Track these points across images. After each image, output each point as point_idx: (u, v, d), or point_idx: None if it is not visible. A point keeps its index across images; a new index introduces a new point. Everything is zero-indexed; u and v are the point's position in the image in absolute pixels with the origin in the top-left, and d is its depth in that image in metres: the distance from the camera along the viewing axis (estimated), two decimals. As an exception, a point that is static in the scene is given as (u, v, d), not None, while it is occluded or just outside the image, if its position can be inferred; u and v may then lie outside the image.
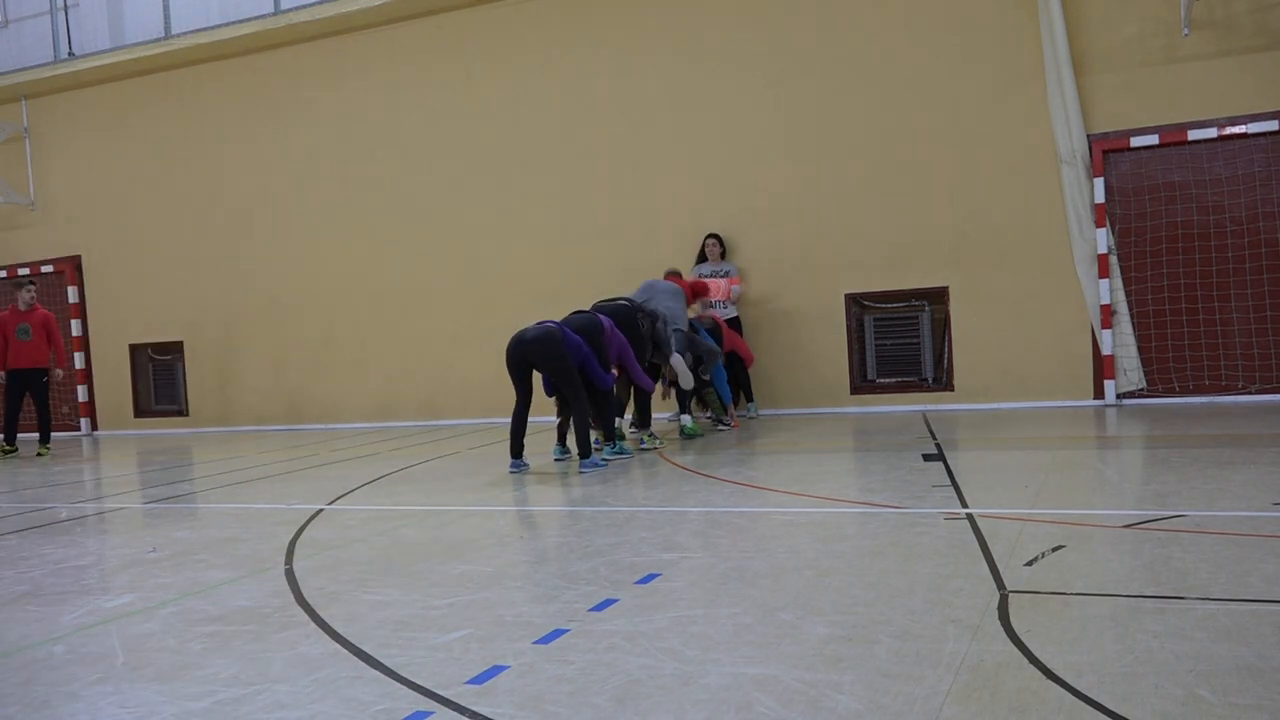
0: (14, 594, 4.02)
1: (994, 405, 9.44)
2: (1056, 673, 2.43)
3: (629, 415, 8.31)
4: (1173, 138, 8.82)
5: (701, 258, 10.13)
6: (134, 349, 13.54)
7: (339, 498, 6.19)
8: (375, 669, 2.78)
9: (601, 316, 7.23)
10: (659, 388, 8.85)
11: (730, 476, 6.07)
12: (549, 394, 7.30)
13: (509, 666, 2.72)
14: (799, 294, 10.13)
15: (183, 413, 13.33)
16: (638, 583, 3.55)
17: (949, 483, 5.32)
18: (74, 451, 11.31)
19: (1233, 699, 2.22)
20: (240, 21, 12.31)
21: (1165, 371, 9.02)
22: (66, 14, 13.48)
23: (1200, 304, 8.88)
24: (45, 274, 13.73)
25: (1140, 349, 9.07)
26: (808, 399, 10.13)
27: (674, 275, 9.24)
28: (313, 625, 3.27)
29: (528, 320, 7.18)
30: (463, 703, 2.48)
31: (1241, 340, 8.79)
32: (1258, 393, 8.72)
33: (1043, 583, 3.25)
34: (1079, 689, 2.33)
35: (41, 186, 13.90)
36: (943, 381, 9.76)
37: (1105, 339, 9.04)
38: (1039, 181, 9.27)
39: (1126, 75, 9.00)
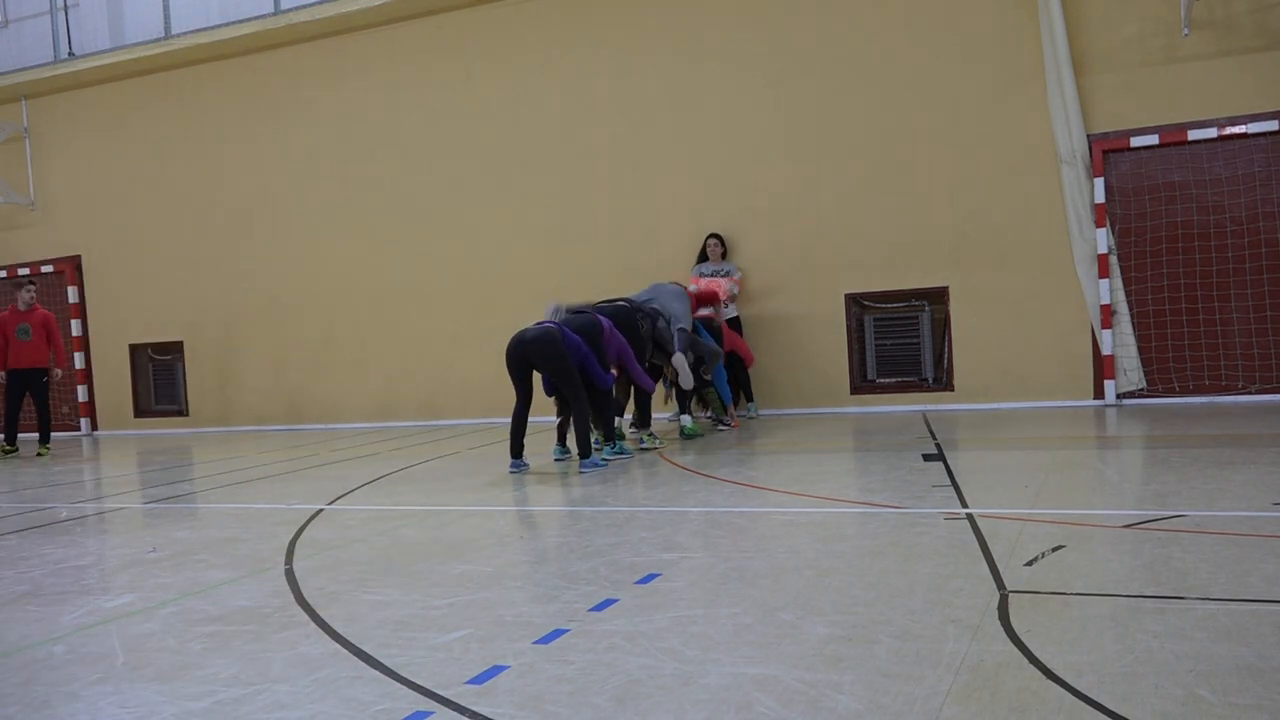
0: (14, 594, 4.03)
1: (994, 405, 9.44)
2: (1056, 673, 2.43)
3: (629, 415, 8.32)
4: (1173, 138, 8.82)
5: (703, 257, 10.13)
6: (134, 349, 13.54)
7: (339, 498, 6.19)
8: (375, 669, 2.78)
9: (601, 317, 7.23)
10: (660, 389, 8.86)
11: (730, 476, 6.07)
12: (549, 394, 7.31)
13: (509, 666, 2.72)
14: (799, 294, 10.13)
15: (183, 413, 13.33)
16: (638, 583, 3.55)
17: (949, 483, 5.32)
18: (74, 451, 11.32)
19: (1233, 699, 2.22)
20: (240, 21, 12.31)
21: (1165, 371, 9.02)
22: (66, 14, 13.48)
23: (1200, 304, 8.88)
24: (45, 274, 13.73)
25: (1140, 349, 9.07)
26: (808, 399, 10.13)
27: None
28: (313, 625, 3.27)
29: (528, 320, 7.18)
30: (463, 703, 2.48)
31: (1241, 340, 8.79)
32: (1258, 393, 8.72)
33: (1043, 583, 3.25)
34: (1079, 689, 2.33)
35: (41, 186, 13.90)
36: (943, 381, 9.76)
37: (1105, 339, 9.04)
38: (1039, 181, 9.27)
39: (1126, 75, 9.00)
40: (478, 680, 2.63)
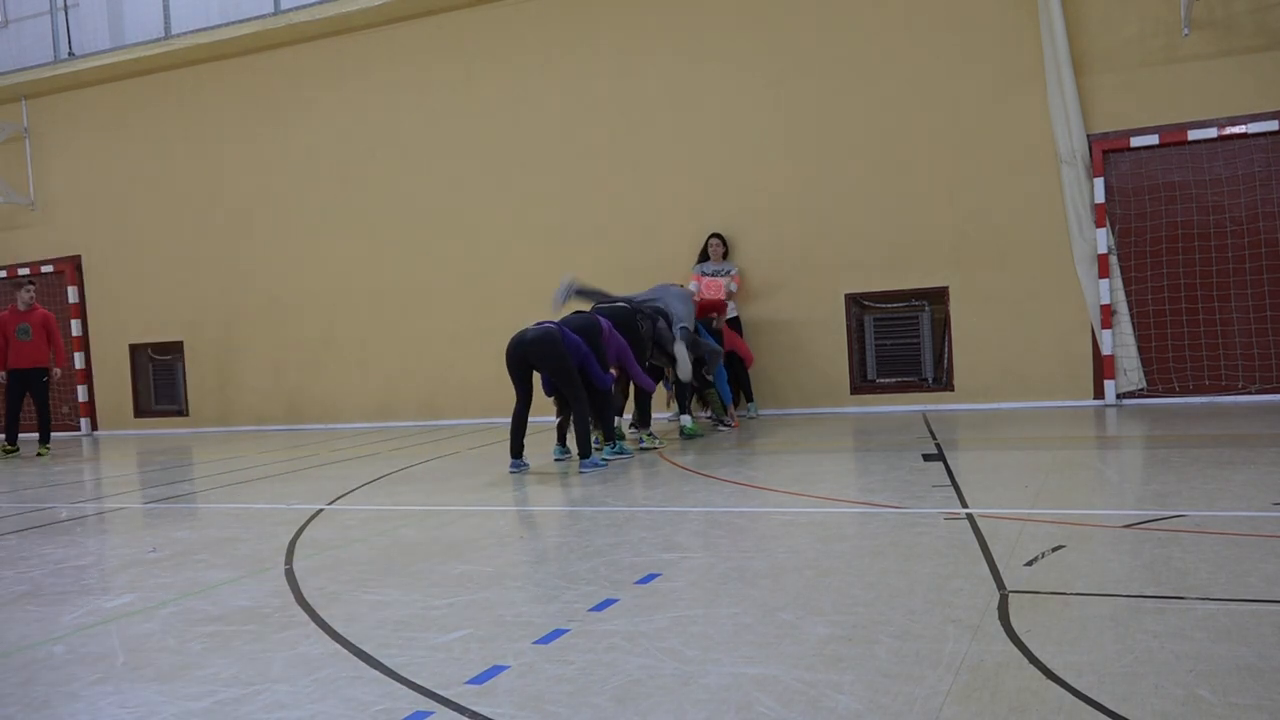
0: (14, 594, 4.03)
1: (994, 405, 9.44)
2: (1056, 673, 2.43)
3: (629, 415, 8.32)
4: (1173, 138, 8.82)
5: (704, 256, 10.13)
6: (134, 349, 13.54)
7: (339, 498, 6.19)
8: (375, 669, 2.78)
9: (600, 317, 7.25)
10: (660, 390, 8.86)
11: (730, 476, 6.07)
12: (549, 394, 7.31)
13: (509, 666, 2.73)
14: (799, 294, 10.13)
15: (183, 413, 13.33)
16: (638, 583, 3.55)
17: (949, 483, 5.32)
18: (74, 451, 11.32)
19: (1233, 699, 2.22)
20: (240, 21, 12.31)
21: (1165, 371, 9.02)
22: (66, 14, 13.48)
23: (1200, 304, 8.88)
24: (45, 274, 13.73)
25: (1140, 349, 9.07)
26: (808, 399, 10.13)
27: None
28: (313, 625, 3.27)
29: (528, 320, 7.18)
30: (463, 703, 2.48)
31: (1241, 340, 8.79)
32: (1258, 393, 8.72)
33: (1043, 583, 3.25)
34: (1079, 689, 2.33)
35: (41, 186, 13.90)
36: (943, 381, 9.76)
37: (1105, 339, 9.04)
38: (1039, 181, 9.26)
39: (1126, 75, 9.00)
40: (478, 680, 2.63)
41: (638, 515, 4.91)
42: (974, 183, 9.48)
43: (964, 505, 4.65)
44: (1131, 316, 9.06)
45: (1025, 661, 2.53)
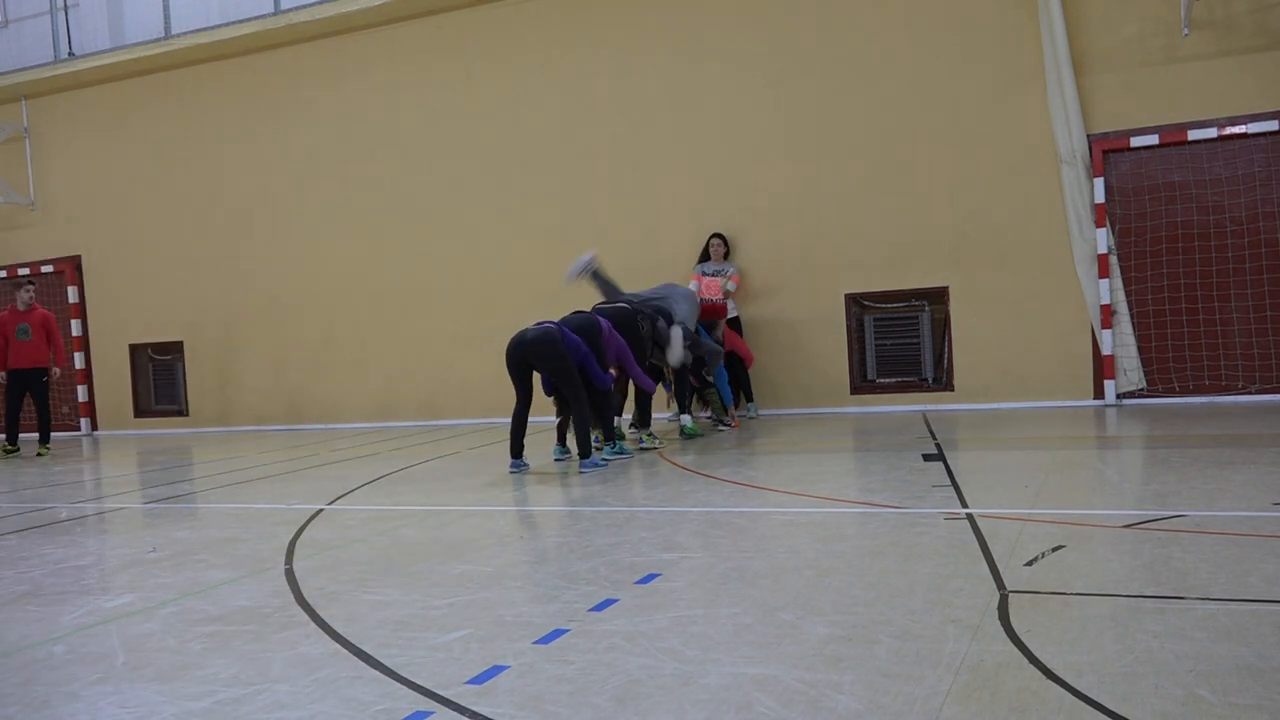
0: (14, 594, 4.03)
1: (994, 405, 9.44)
2: (1056, 673, 2.43)
3: (629, 415, 8.32)
4: (1173, 138, 8.82)
5: (705, 256, 10.13)
6: (134, 349, 13.54)
7: (339, 498, 6.19)
8: (375, 669, 2.78)
9: (600, 318, 7.25)
10: (660, 390, 8.86)
11: (730, 476, 6.07)
12: (548, 394, 7.31)
13: (509, 666, 2.72)
14: (799, 294, 10.13)
15: (183, 413, 13.33)
16: (638, 583, 3.55)
17: (949, 483, 5.32)
18: (74, 451, 11.32)
19: (1233, 699, 2.22)
20: (240, 21, 12.31)
21: (1165, 371, 9.02)
22: (66, 14, 13.48)
23: (1200, 304, 8.88)
24: (45, 274, 13.73)
25: (1140, 349, 9.07)
26: (808, 399, 10.13)
27: None
28: (313, 625, 3.27)
29: (528, 320, 7.18)
30: (463, 703, 2.48)
31: (1241, 340, 8.79)
32: (1258, 393, 8.72)
33: (1043, 583, 3.25)
34: (1079, 689, 2.33)
35: (41, 186, 13.90)
36: (943, 381, 9.76)
37: (1105, 339, 9.04)
38: (1039, 181, 9.26)
39: (1126, 75, 9.00)
40: (478, 680, 2.63)
41: (638, 515, 4.91)
42: (974, 183, 9.48)
43: (964, 505, 4.65)
44: (1131, 316, 9.06)
45: (1025, 661, 2.53)
